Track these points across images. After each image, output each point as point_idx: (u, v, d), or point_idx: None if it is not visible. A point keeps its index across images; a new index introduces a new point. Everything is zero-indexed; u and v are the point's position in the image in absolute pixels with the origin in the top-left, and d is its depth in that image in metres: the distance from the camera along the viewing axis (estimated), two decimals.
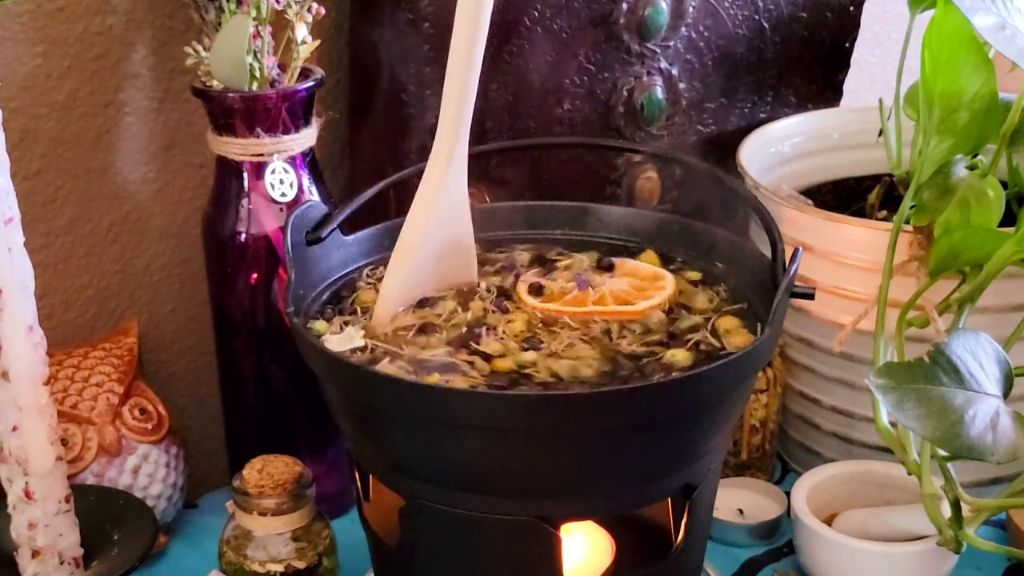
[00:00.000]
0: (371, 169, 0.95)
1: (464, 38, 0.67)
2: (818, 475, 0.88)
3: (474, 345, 0.69)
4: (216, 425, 0.97)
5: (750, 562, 0.89)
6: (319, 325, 0.72)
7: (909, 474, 0.79)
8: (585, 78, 0.98)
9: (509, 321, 0.72)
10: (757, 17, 1.04)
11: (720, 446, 0.70)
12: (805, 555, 0.85)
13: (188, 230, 0.96)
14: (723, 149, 1.05)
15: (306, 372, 0.68)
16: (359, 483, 0.73)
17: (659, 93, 1.01)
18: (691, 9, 1.00)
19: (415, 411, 0.63)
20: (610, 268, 0.76)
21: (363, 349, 0.70)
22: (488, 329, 0.71)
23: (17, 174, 0.75)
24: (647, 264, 0.77)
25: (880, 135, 1.00)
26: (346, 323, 0.72)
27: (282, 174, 0.86)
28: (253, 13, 0.82)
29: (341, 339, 0.70)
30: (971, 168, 0.84)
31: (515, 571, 0.68)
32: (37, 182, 0.90)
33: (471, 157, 0.74)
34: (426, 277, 0.73)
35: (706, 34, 1.02)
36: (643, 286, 0.75)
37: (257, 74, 0.84)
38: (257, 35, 0.83)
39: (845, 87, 1.13)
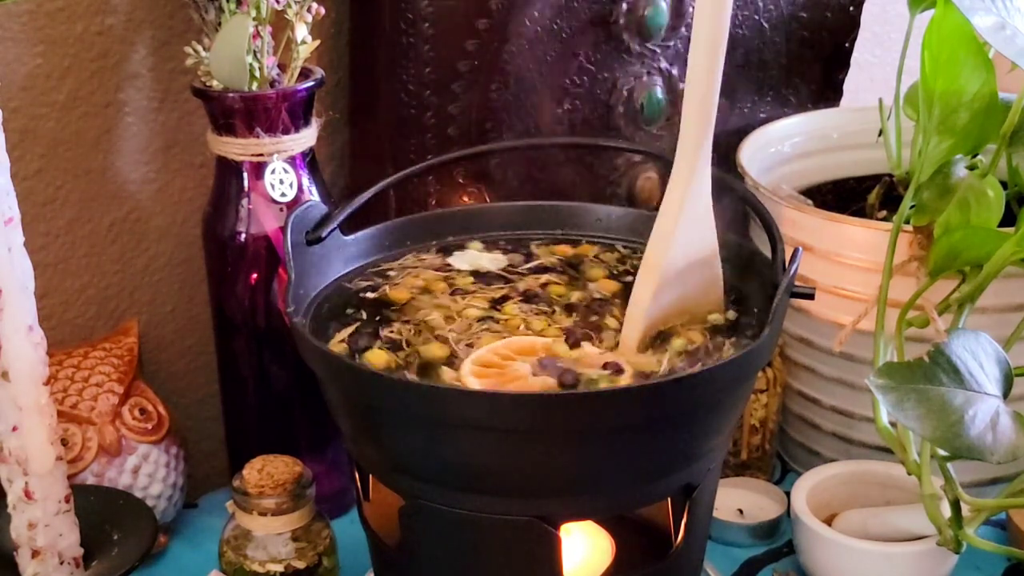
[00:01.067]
0: (371, 169, 0.95)
1: (706, 33, 0.66)
2: (818, 475, 0.88)
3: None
4: (216, 425, 0.97)
5: (750, 562, 0.89)
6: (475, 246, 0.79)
7: (909, 474, 0.79)
8: (585, 78, 0.98)
9: None
10: (757, 17, 1.04)
11: (720, 446, 0.70)
12: (805, 555, 0.85)
13: (188, 230, 0.97)
14: (723, 149, 1.05)
15: (306, 372, 0.68)
16: (359, 483, 0.73)
17: (659, 93, 1.01)
18: (691, 9, 1.00)
19: (415, 411, 0.63)
20: (577, 345, 0.69)
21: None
22: None
23: (17, 174, 0.75)
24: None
25: (880, 135, 1.00)
26: None
27: (282, 174, 0.86)
28: (253, 13, 0.82)
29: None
30: (971, 168, 0.84)
31: (515, 571, 0.68)
32: (37, 182, 0.90)
33: (471, 157, 0.74)
34: (672, 298, 0.70)
35: None
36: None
37: (257, 74, 0.84)
38: (257, 35, 0.83)
39: (845, 87, 1.13)
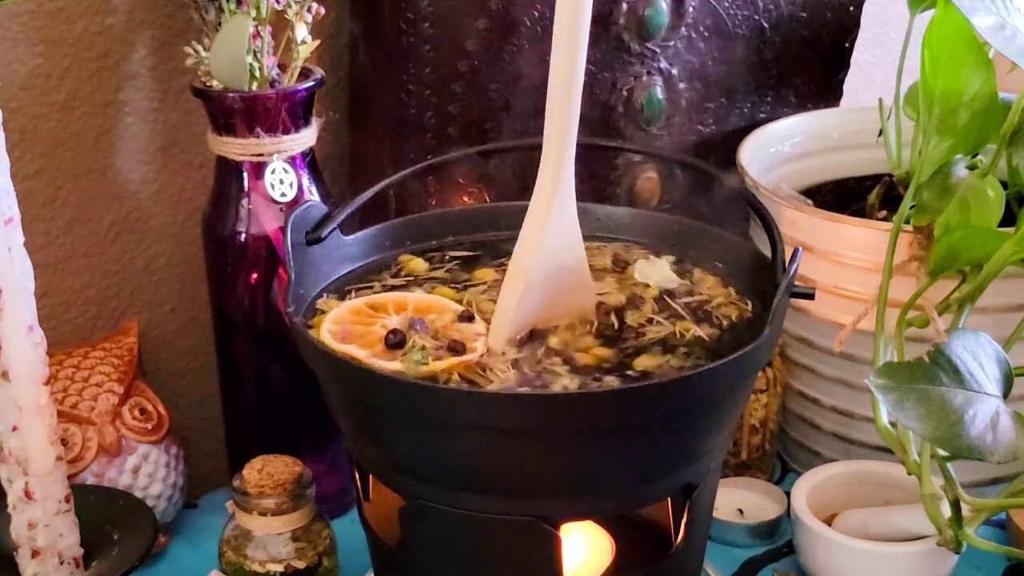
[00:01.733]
0: (371, 169, 0.95)
1: (563, 55, 0.66)
2: (818, 475, 0.88)
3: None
4: (216, 425, 0.97)
5: (750, 562, 0.89)
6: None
7: (909, 474, 0.79)
8: (585, 78, 0.97)
9: None
10: (757, 17, 1.04)
11: (720, 446, 0.70)
12: (805, 555, 0.85)
13: (188, 230, 0.97)
14: (723, 149, 1.05)
15: (306, 372, 0.68)
16: (359, 483, 0.73)
17: (659, 93, 1.01)
18: (691, 9, 1.00)
19: (415, 411, 0.63)
20: (470, 320, 0.71)
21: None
22: None
23: (17, 174, 0.75)
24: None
25: (880, 135, 1.00)
26: None
27: (282, 174, 0.86)
28: (253, 13, 0.82)
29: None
30: (971, 168, 0.84)
31: (515, 571, 0.68)
32: (37, 182, 0.90)
33: (470, 157, 0.74)
34: (539, 302, 0.70)
35: (706, 34, 1.02)
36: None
37: (257, 74, 0.84)
38: (257, 35, 0.83)
39: (845, 87, 1.13)
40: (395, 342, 0.67)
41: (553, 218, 0.70)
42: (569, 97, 0.68)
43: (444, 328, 0.69)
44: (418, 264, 0.78)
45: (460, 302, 0.73)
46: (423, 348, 0.66)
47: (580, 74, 0.67)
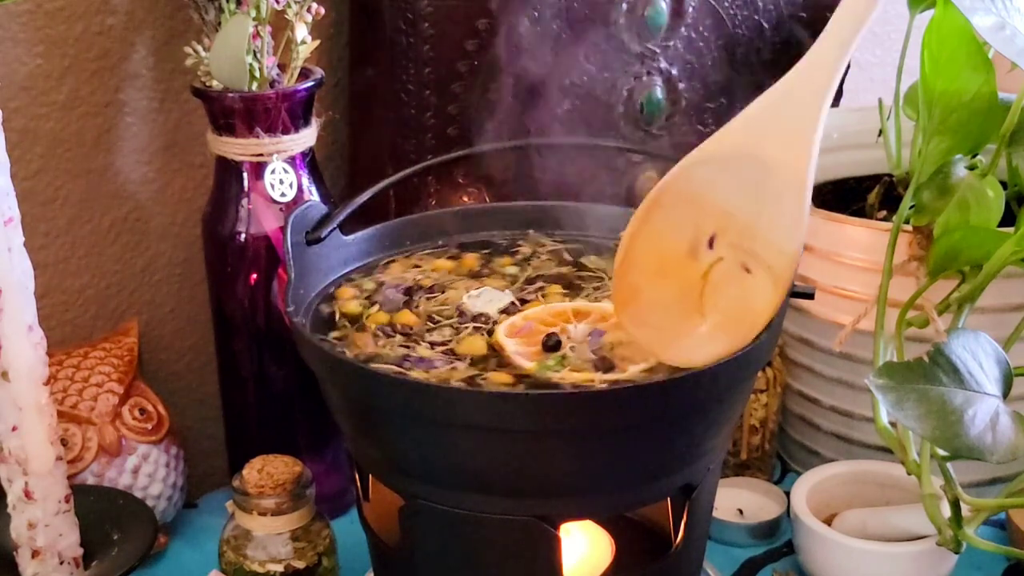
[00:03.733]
0: (371, 169, 0.95)
1: None
2: (818, 475, 0.88)
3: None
4: (216, 425, 0.97)
5: (750, 562, 0.89)
6: None
7: (909, 474, 0.79)
8: (585, 78, 0.98)
9: None
10: (757, 17, 1.04)
11: (720, 446, 0.70)
12: (805, 555, 0.85)
13: (188, 230, 0.97)
14: None
15: (306, 372, 0.68)
16: (359, 483, 0.73)
17: (659, 93, 1.01)
18: (691, 9, 1.00)
19: (415, 411, 0.63)
20: (557, 348, 0.68)
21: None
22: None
23: (17, 174, 0.75)
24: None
25: (880, 135, 1.00)
26: None
27: (282, 174, 0.86)
28: (253, 13, 0.82)
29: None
30: (971, 168, 0.84)
31: (515, 571, 0.68)
32: (37, 182, 0.90)
33: (470, 157, 0.73)
34: (721, 177, 0.60)
35: (706, 34, 1.02)
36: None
37: (257, 74, 0.84)
38: (257, 35, 0.83)
39: (845, 87, 1.13)
40: (550, 345, 0.67)
41: (796, 95, 0.62)
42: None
43: (617, 344, 0.67)
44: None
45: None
46: (563, 358, 0.66)
47: None
